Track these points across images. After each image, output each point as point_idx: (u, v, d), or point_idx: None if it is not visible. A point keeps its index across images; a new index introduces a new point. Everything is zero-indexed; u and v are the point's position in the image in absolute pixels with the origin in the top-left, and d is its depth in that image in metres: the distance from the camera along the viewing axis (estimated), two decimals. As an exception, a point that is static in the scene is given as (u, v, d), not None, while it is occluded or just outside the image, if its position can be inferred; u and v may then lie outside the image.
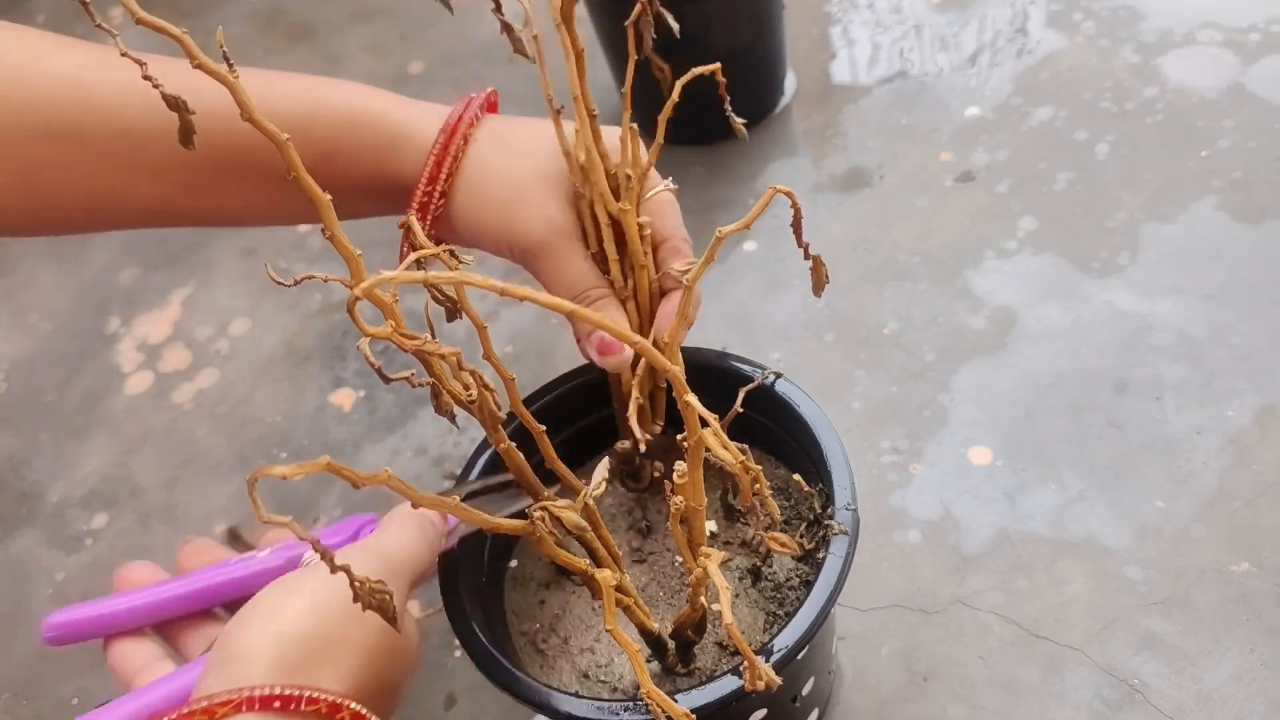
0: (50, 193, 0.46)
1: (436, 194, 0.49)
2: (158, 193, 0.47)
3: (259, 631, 0.38)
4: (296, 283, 0.33)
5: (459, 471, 0.55)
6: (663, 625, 0.49)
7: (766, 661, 0.43)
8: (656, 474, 0.57)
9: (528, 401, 0.56)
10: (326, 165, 0.48)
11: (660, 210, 0.51)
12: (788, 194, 0.36)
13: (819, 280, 0.39)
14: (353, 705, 0.38)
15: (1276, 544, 0.62)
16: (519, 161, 0.50)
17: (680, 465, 0.40)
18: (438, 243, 0.46)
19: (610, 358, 0.50)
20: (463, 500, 0.47)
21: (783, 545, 0.45)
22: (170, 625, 0.47)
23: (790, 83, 0.99)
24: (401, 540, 0.45)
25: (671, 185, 0.51)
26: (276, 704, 0.36)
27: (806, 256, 0.38)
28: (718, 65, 0.46)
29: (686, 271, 0.47)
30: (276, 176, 0.40)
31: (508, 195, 0.49)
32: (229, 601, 0.46)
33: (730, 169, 0.93)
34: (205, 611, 0.47)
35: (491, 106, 0.54)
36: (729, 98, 0.47)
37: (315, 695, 0.36)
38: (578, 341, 0.52)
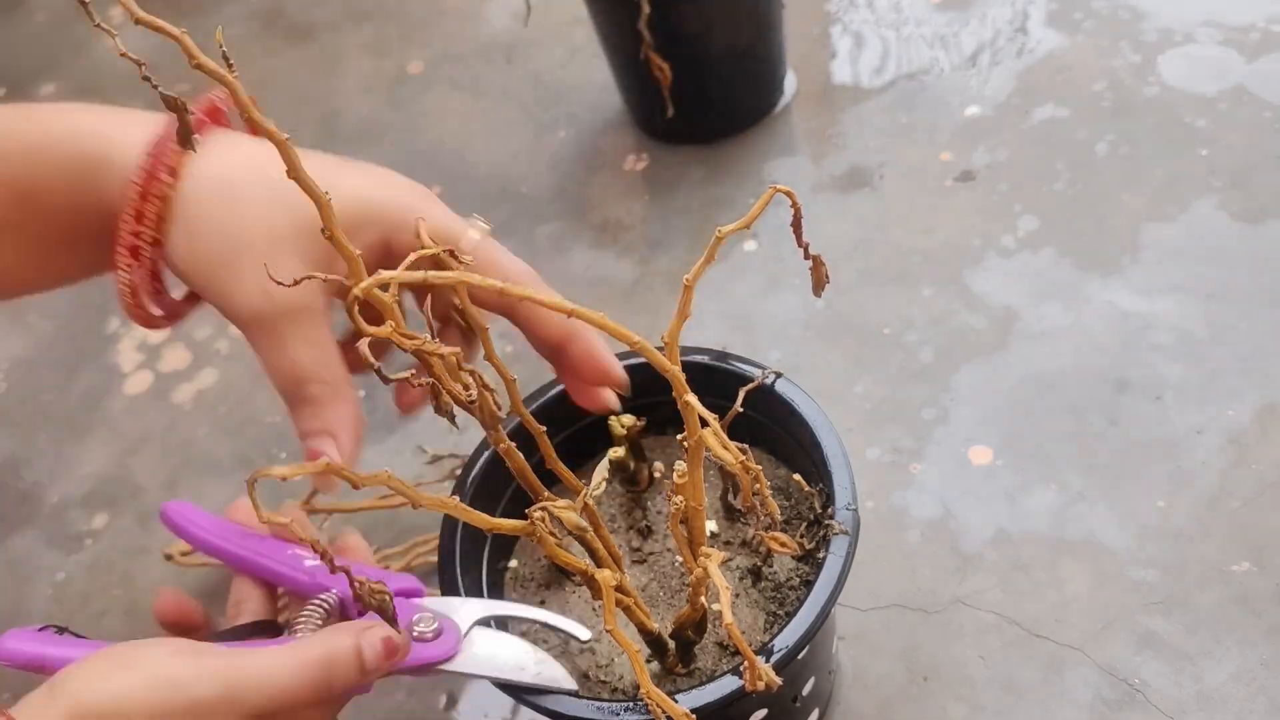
0: None
1: (147, 236, 0.38)
2: None
3: (79, 684, 0.36)
4: (295, 283, 0.33)
5: (459, 471, 0.55)
6: (663, 625, 0.49)
7: (767, 661, 0.43)
8: (656, 475, 0.57)
9: (527, 401, 0.56)
10: (21, 204, 0.38)
11: (491, 262, 0.42)
12: (788, 193, 0.35)
13: (819, 280, 0.39)
14: None
15: (1277, 543, 0.62)
16: (247, 201, 0.38)
17: (680, 465, 0.40)
18: (159, 293, 0.39)
19: (312, 464, 0.41)
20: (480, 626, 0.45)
21: (783, 545, 0.45)
22: (237, 573, 0.47)
23: (790, 82, 0.99)
24: (274, 675, 0.37)
25: (482, 224, 0.43)
26: None
27: (806, 256, 0.38)
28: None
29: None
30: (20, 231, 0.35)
31: (221, 251, 0.38)
32: (263, 582, 0.47)
33: (730, 168, 0.93)
34: (253, 575, 0.47)
35: (214, 115, 0.42)
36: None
37: None
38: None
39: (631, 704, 0.44)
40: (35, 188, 0.38)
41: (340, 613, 0.44)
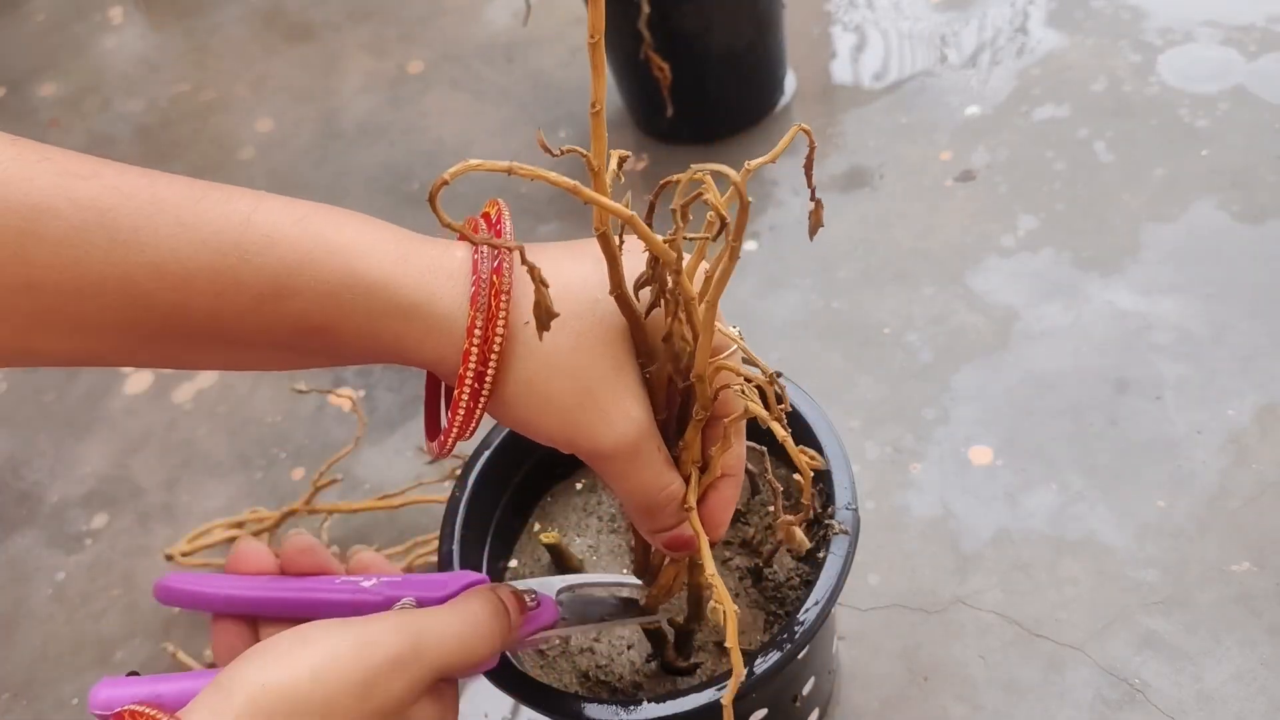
0: None
1: (484, 392, 0.36)
2: (70, 348, 0.34)
3: (253, 674, 0.34)
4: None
5: (459, 471, 0.55)
6: (662, 620, 0.49)
7: (767, 660, 0.43)
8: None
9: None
10: (308, 339, 0.35)
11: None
12: (806, 131, 0.34)
13: (815, 224, 0.37)
14: None
15: (1277, 543, 0.62)
16: (579, 334, 0.36)
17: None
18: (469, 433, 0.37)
19: (680, 551, 0.42)
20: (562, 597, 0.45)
21: (791, 533, 0.45)
22: (263, 621, 0.45)
23: (790, 82, 0.99)
24: (449, 628, 0.38)
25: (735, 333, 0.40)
26: None
27: (813, 197, 0.36)
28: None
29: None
30: (210, 333, 0.33)
31: (574, 393, 0.37)
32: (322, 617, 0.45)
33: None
34: (297, 620, 0.45)
35: (493, 223, 0.39)
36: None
37: None
38: (639, 529, 0.43)
39: (632, 704, 0.44)
40: (329, 325, 0.34)
41: None
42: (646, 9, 0.82)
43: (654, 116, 0.93)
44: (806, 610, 0.45)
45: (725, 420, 0.39)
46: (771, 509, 0.53)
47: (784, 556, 0.52)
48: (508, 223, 0.38)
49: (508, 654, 0.47)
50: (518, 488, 0.56)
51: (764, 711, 0.49)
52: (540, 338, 0.34)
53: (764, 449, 0.49)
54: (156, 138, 1.16)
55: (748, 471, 0.52)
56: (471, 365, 0.35)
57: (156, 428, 0.87)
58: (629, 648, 0.51)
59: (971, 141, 0.90)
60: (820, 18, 1.05)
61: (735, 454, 0.40)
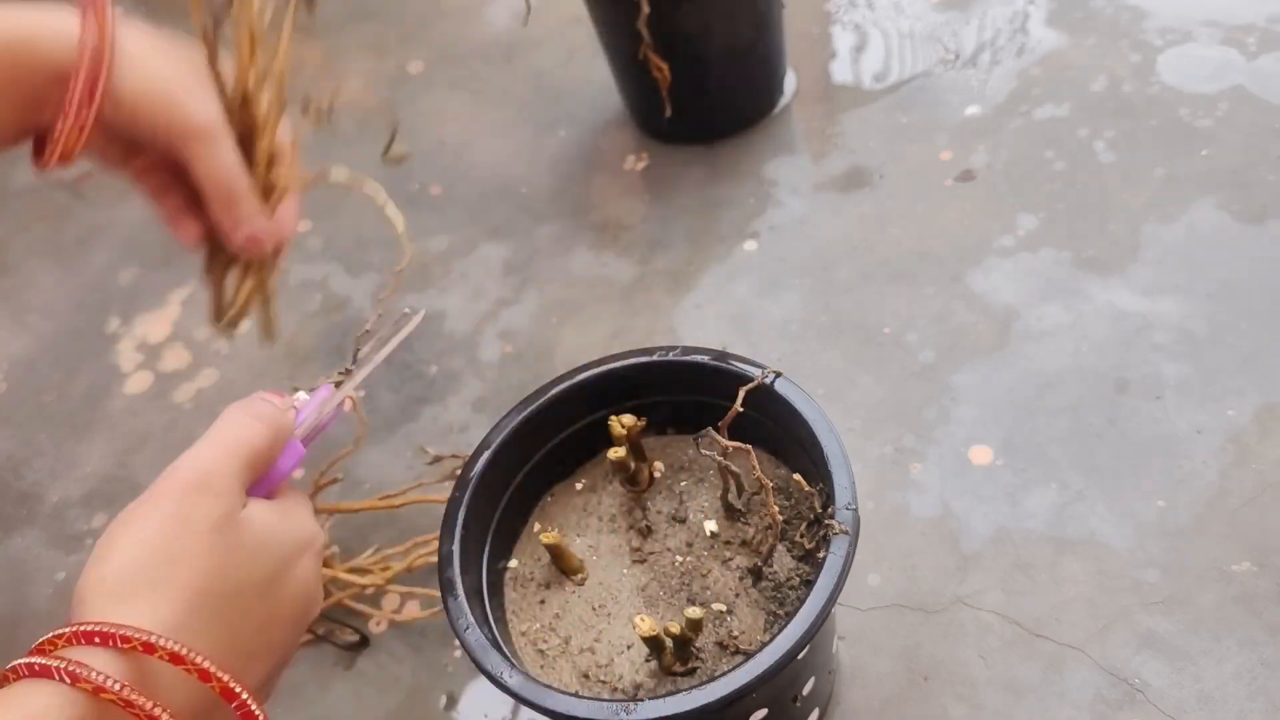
0: None
1: (102, 77, 0.48)
2: None
3: (89, 572, 0.36)
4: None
5: (459, 471, 0.55)
6: (662, 624, 0.49)
7: (767, 660, 0.43)
8: (656, 475, 0.57)
9: (526, 401, 0.56)
10: None
11: None
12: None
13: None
14: (169, 645, 0.34)
15: (1277, 543, 0.62)
16: (175, 53, 0.51)
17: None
18: (84, 132, 0.47)
19: (255, 248, 0.54)
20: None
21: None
22: None
23: (790, 82, 0.99)
24: (233, 427, 0.42)
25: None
26: (96, 640, 0.34)
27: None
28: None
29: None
30: None
31: (174, 78, 0.50)
32: None
33: (731, 168, 0.93)
34: None
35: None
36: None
37: (127, 634, 0.33)
38: (219, 225, 0.53)
39: (632, 704, 0.44)
40: None
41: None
42: (646, 9, 0.82)
43: (653, 116, 0.93)
44: (806, 610, 0.45)
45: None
46: (772, 509, 0.53)
47: (784, 556, 0.52)
48: None
49: (502, 656, 0.47)
50: (518, 488, 0.56)
51: (764, 711, 0.49)
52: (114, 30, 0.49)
53: (749, 447, 0.49)
54: (156, 138, 1.16)
55: (732, 472, 0.52)
56: (90, 45, 0.47)
57: (156, 428, 0.88)
58: (629, 647, 0.51)
59: (971, 141, 0.90)
60: (820, 18, 1.05)
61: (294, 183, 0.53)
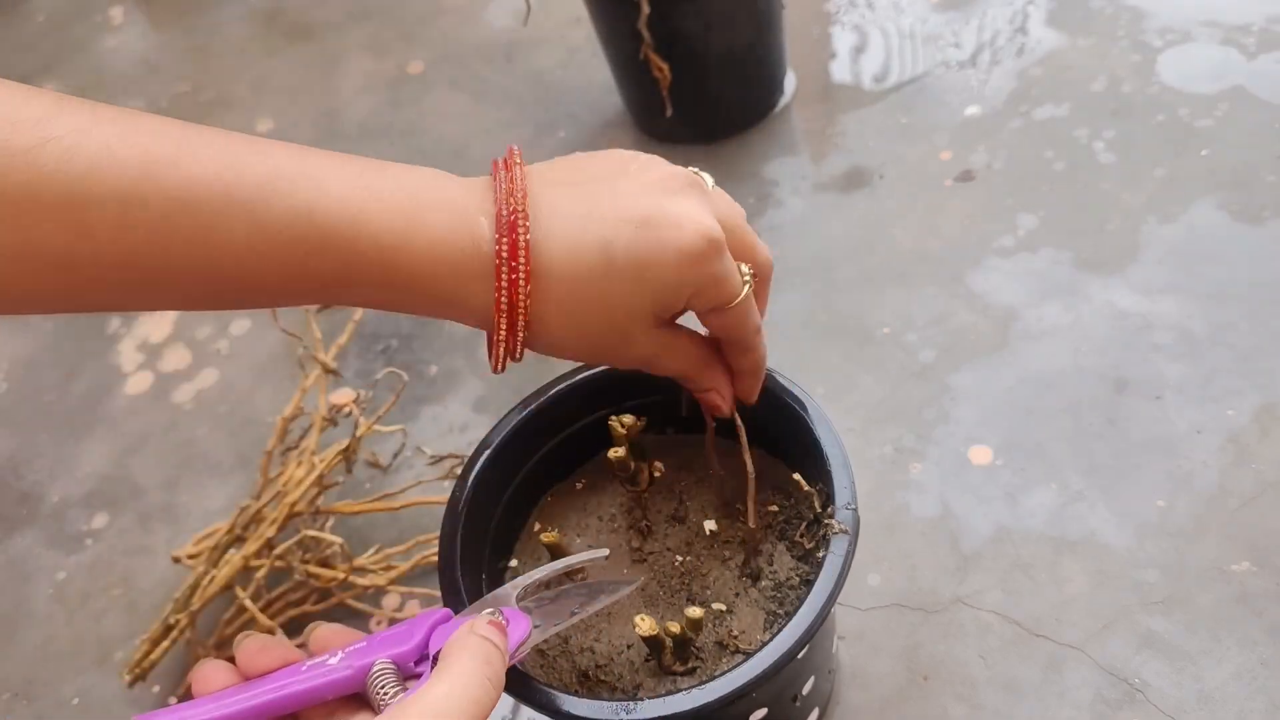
0: (36, 302, 0.36)
1: (519, 329, 0.41)
2: (156, 302, 0.38)
3: None
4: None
5: (459, 470, 0.55)
6: (662, 624, 0.49)
7: (767, 659, 0.43)
8: (656, 474, 0.57)
9: (526, 401, 0.56)
10: (372, 307, 0.40)
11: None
12: None
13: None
14: None
15: (1277, 543, 0.62)
16: (598, 269, 0.40)
17: None
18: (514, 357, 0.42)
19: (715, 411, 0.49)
20: (521, 601, 0.44)
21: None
22: None
23: (790, 82, 0.99)
24: (465, 691, 0.38)
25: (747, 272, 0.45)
26: None
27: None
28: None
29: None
30: (281, 299, 0.38)
31: (601, 326, 0.42)
32: (301, 710, 0.44)
33: (731, 168, 0.93)
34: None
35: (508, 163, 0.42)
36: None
37: None
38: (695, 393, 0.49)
39: (632, 703, 0.44)
40: (348, 286, 0.39)
41: (400, 677, 0.43)
42: (646, 9, 0.82)
43: (654, 117, 0.93)
44: (806, 609, 0.45)
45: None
46: (772, 508, 0.54)
47: (784, 556, 0.52)
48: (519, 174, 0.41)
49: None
50: (518, 488, 0.56)
51: (764, 711, 0.49)
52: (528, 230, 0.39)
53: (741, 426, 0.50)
54: (157, 138, 1.16)
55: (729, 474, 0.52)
56: (502, 338, 0.41)
57: (156, 428, 0.88)
58: (629, 647, 0.51)
59: (971, 141, 0.90)
60: (820, 18, 1.05)
61: (752, 360, 0.47)
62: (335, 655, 0.42)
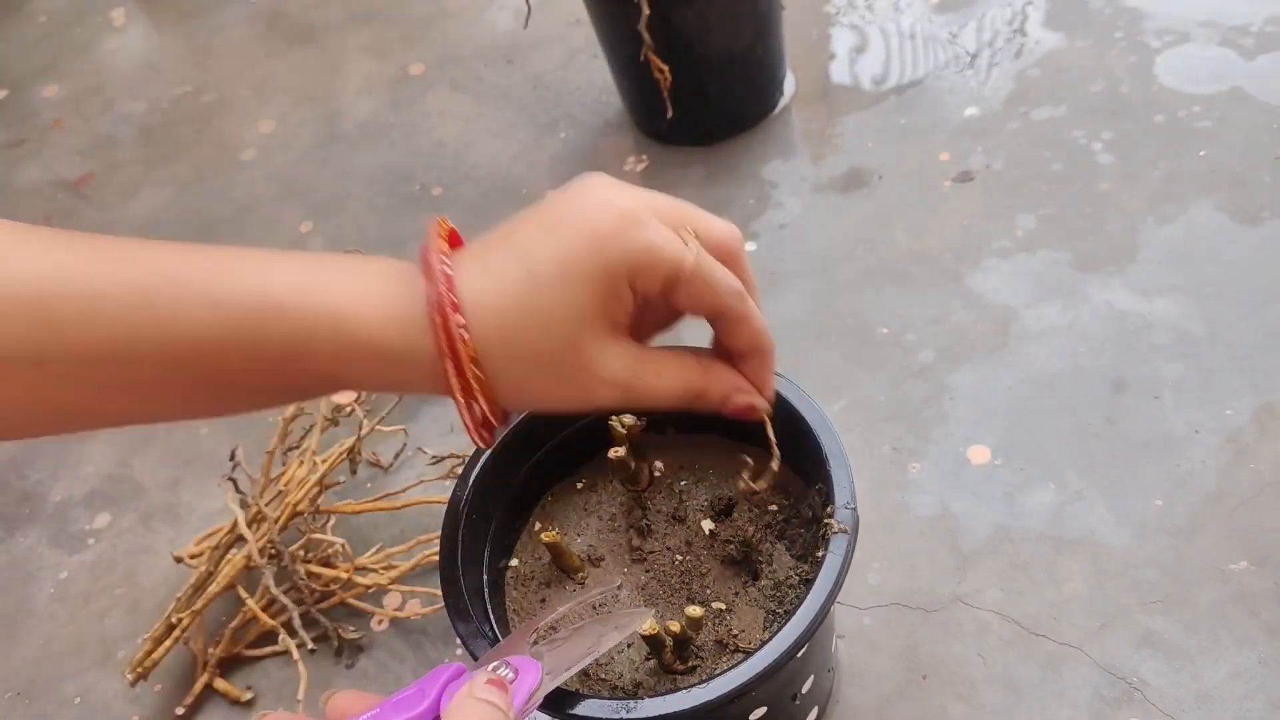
0: (14, 414, 0.39)
1: (478, 411, 0.40)
2: (130, 408, 0.40)
3: None
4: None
5: (460, 470, 0.55)
6: (662, 623, 0.50)
7: (766, 658, 0.43)
8: (656, 474, 0.57)
9: (528, 401, 0.56)
10: (326, 387, 0.40)
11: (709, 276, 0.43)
12: None
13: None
14: None
15: (1275, 542, 0.63)
16: (539, 301, 0.39)
17: None
18: (490, 420, 0.41)
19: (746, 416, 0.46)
20: (534, 645, 0.44)
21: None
22: None
23: (790, 83, 0.99)
24: None
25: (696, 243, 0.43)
26: None
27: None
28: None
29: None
30: (247, 388, 0.38)
31: (554, 372, 0.40)
32: None
33: (730, 169, 0.93)
34: None
35: (454, 239, 0.42)
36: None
37: None
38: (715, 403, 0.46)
39: (632, 703, 0.44)
40: (297, 357, 0.39)
41: None
42: (646, 11, 0.82)
43: (654, 118, 0.93)
44: (805, 609, 0.45)
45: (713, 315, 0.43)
46: (772, 507, 0.54)
47: (783, 555, 0.52)
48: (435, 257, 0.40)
49: None
50: (518, 488, 0.56)
51: (763, 709, 0.49)
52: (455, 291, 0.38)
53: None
54: (158, 139, 1.16)
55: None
56: (455, 384, 0.39)
57: (158, 428, 0.88)
58: (629, 646, 0.51)
59: (970, 142, 0.90)
60: (820, 19, 1.05)
61: (749, 332, 0.43)
62: (404, 691, 0.42)
